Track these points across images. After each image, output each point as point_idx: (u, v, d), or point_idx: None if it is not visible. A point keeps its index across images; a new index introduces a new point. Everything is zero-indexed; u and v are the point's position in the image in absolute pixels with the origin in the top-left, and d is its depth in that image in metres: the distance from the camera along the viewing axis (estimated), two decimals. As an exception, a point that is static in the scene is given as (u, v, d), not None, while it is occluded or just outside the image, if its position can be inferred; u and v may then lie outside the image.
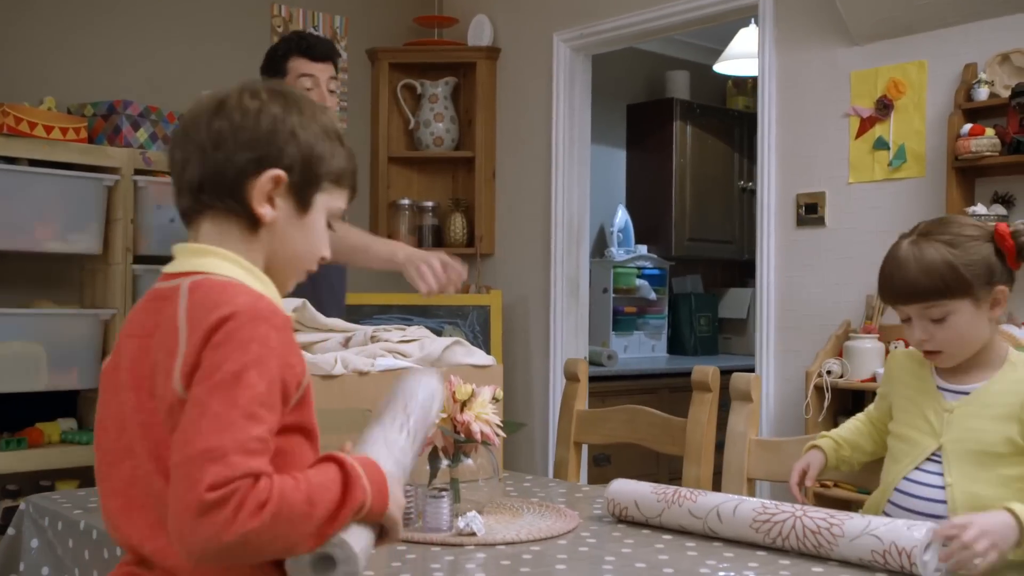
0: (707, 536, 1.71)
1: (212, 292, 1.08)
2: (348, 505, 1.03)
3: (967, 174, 2.86)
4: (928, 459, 1.67)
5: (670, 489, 1.80)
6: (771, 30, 3.34)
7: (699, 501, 1.73)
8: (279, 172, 1.15)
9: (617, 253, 5.15)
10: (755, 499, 1.70)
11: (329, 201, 1.21)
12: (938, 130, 2.96)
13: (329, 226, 1.24)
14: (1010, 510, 1.44)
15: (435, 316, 4.00)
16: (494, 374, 2.35)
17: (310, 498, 0.99)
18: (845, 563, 1.53)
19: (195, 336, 1.04)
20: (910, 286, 1.63)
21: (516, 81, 4.24)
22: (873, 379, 2.92)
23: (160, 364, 1.08)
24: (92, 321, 3.29)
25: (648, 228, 5.32)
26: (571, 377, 2.70)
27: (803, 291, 3.26)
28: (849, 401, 3.09)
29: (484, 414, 1.87)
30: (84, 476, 3.18)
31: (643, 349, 5.35)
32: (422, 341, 2.24)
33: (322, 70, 2.68)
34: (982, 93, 2.81)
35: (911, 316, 1.67)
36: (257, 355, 1.02)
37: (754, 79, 5.69)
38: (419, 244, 4.36)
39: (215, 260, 1.14)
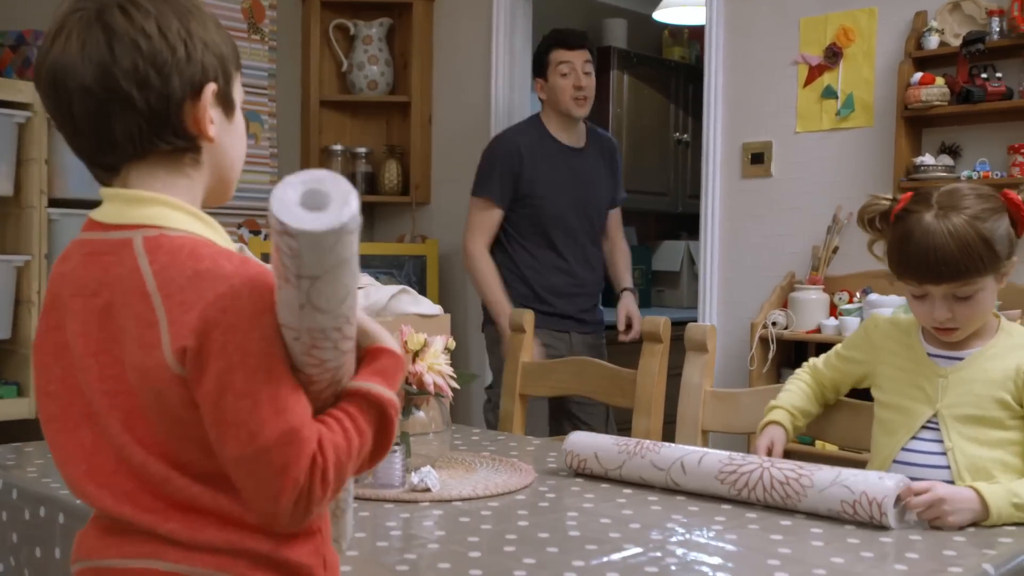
0: (669, 489, 1.66)
1: (182, 256, 0.98)
2: (387, 427, 1.01)
3: (915, 124, 2.83)
4: (924, 427, 1.64)
5: (631, 441, 1.74)
6: (719, -26, 3.27)
7: (662, 452, 1.67)
8: (213, 86, 1.04)
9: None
10: (721, 451, 1.65)
11: (239, 90, 1.11)
12: (887, 79, 2.92)
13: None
14: (975, 489, 1.45)
15: (369, 266, 3.87)
16: (441, 323, 2.26)
17: (356, 436, 0.97)
18: (813, 515, 1.49)
19: (187, 314, 0.95)
20: (949, 267, 1.53)
21: (454, 23, 4.10)
22: (818, 330, 2.90)
23: (129, 331, 0.98)
24: (5, 268, 3.09)
25: (583, 179, 5.24)
26: (516, 328, 2.63)
27: (748, 242, 3.23)
28: (792, 352, 3.08)
29: (437, 365, 1.78)
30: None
31: (577, 301, 5.29)
32: (367, 289, 2.13)
33: (578, 56, 3.19)
34: (932, 41, 2.78)
35: (932, 294, 1.58)
36: (271, 325, 0.95)
37: (691, 29, 5.65)
38: (352, 192, 4.22)
39: (164, 210, 1.02)
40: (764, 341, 2.95)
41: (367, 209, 4.42)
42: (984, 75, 2.67)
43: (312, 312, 0.90)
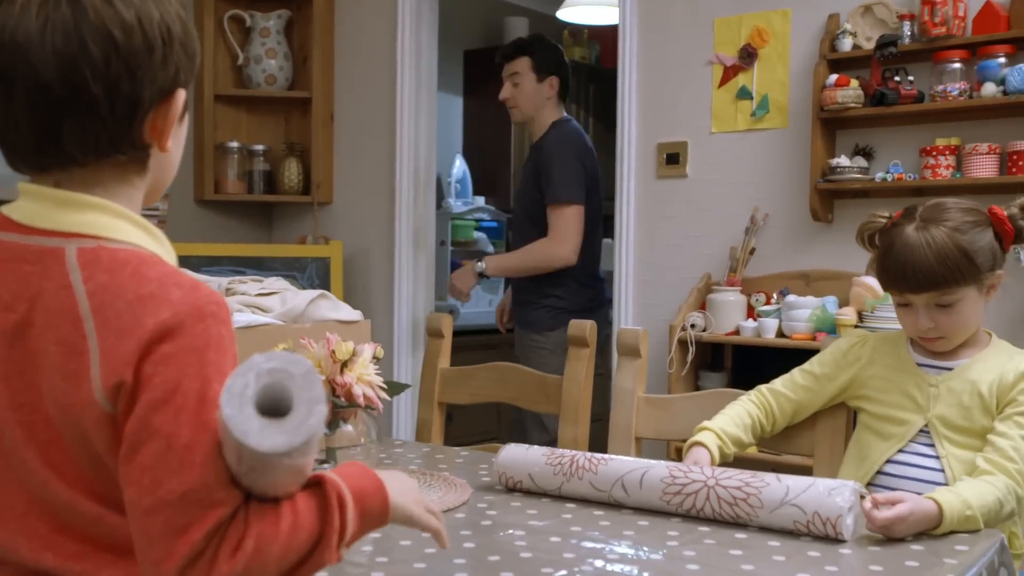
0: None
1: (124, 275, 0.84)
2: (325, 542, 0.84)
3: (829, 125, 2.84)
4: (918, 434, 1.65)
5: (566, 456, 1.64)
6: (632, -28, 3.23)
7: (600, 472, 1.58)
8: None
9: (455, 204, 4.97)
10: (660, 463, 1.57)
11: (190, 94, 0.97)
12: (802, 81, 2.93)
13: None
14: (936, 501, 1.43)
15: (270, 269, 3.70)
16: (362, 330, 2.14)
17: (290, 533, 0.82)
18: (767, 529, 1.45)
19: (122, 343, 0.82)
20: (926, 275, 1.59)
21: (356, 17, 3.96)
22: (737, 332, 2.89)
23: (50, 357, 0.84)
24: None
25: (486, 179, 5.17)
26: (434, 333, 2.52)
27: (663, 243, 3.20)
28: (710, 354, 3.06)
29: (366, 375, 1.67)
30: None
31: (481, 304, 5.21)
32: (283, 295, 2.00)
33: (505, 68, 3.27)
34: (846, 44, 2.80)
35: (915, 303, 1.63)
36: (215, 363, 0.82)
37: (591, 30, 5.63)
38: (249, 191, 4.04)
39: (106, 218, 0.88)
40: (683, 343, 2.92)
41: (265, 209, 4.25)
42: (897, 78, 2.69)
43: (254, 477, 0.81)
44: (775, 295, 2.90)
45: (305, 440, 0.77)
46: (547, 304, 3.18)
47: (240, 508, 0.80)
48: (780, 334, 2.80)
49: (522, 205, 3.29)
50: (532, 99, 3.21)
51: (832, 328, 2.68)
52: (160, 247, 0.91)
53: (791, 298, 2.78)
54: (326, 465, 1.58)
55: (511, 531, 1.45)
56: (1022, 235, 1.63)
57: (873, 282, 2.69)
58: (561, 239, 3.09)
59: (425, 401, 2.49)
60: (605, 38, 5.76)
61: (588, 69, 5.58)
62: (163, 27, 0.87)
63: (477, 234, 5.07)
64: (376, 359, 1.72)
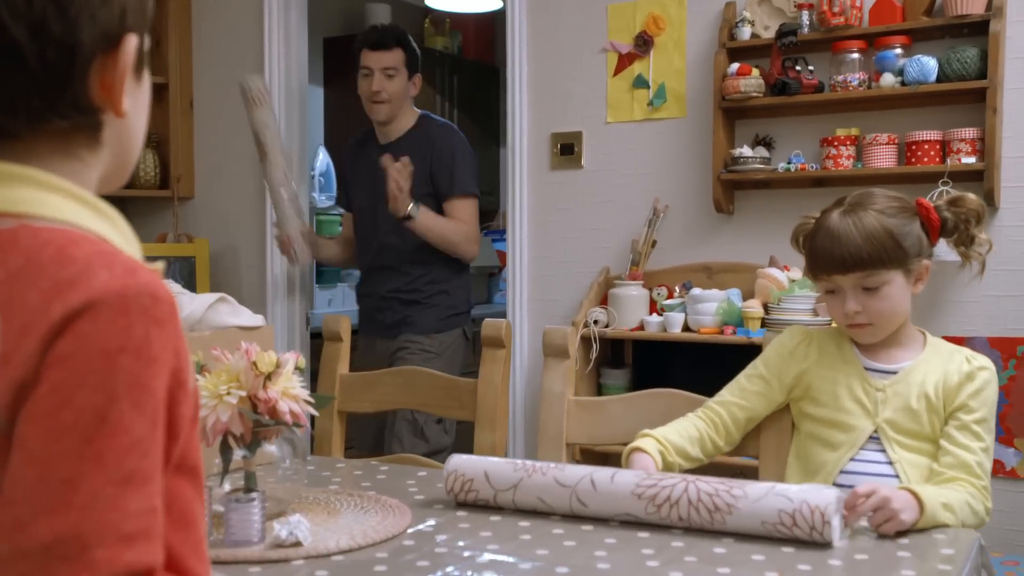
0: (574, 516, 1.45)
1: (43, 258, 0.65)
2: None
3: (729, 115, 2.80)
4: (868, 440, 1.61)
5: (527, 462, 1.52)
6: (520, -45, 3.10)
7: (567, 470, 1.47)
8: (134, 37, 0.72)
9: (319, 199, 4.73)
10: (631, 471, 1.47)
11: (148, 42, 0.78)
12: (699, 70, 2.88)
13: None
14: (912, 492, 1.40)
15: (128, 270, 3.39)
16: (265, 336, 1.94)
17: None
18: (744, 537, 1.35)
19: (25, 335, 0.62)
20: (853, 255, 1.56)
21: (218, 2, 3.68)
22: (641, 327, 2.81)
23: None
24: None
25: (350, 172, 4.94)
26: (332, 337, 2.33)
27: (558, 236, 3.09)
28: (609, 351, 2.98)
29: (291, 389, 1.48)
30: None
31: (348, 302, 4.99)
32: (179, 299, 1.77)
33: (377, 58, 2.95)
34: (745, 33, 2.76)
35: (844, 287, 1.59)
36: (131, 374, 0.62)
37: (453, 19, 5.49)
38: (100, 185, 3.70)
39: (32, 192, 0.69)
40: (585, 340, 2.82)
41: (119, 204, 3.90)
42: (798, 67, 2.67)
43: None
44: (677, 288, 2.84)
45: None
46: (437, 303, 2.99)
47: None
48: (686, 328, 2.74)
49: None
50: (402, 96, 2.98)
51: (739, 321, 2.64)
52: (112, 229, 0.72)
53: (696, 291, 2.73)
54: (253, 494, 1.38)
55: (472, 557, 1.30)
56: (947, 228, 1.61)
57: (778, 273, 2.66)
58: (474, 230, 2.92)
59: (323, 411, 2.29)
60: (467, 28, 5.64)
61: (451, 59, 5.44)
62: None
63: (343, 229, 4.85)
64: (299, 369, 1.53)
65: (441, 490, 1.60)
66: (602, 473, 1.45)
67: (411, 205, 2.84)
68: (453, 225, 2.90)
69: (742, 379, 1.73)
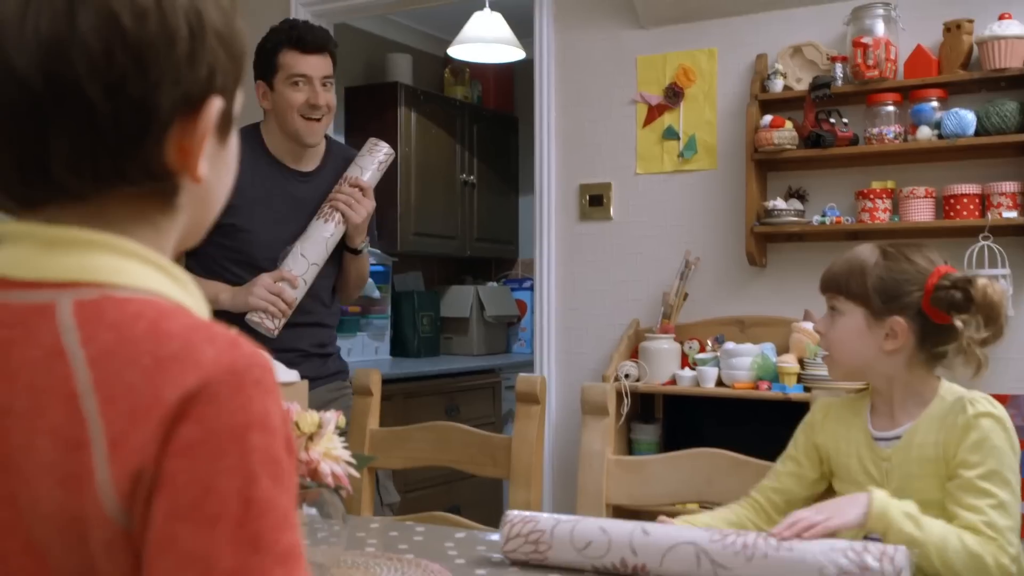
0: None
1: (136, 333, 0.62)
2: None
3: (761, 167, 2.78)
4: None
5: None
6: (549, 7, 3.11)
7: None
8: (219, 100, 0.67)
9: (340, 248, 4.72)
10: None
11: (240, 100, 0.73)
12: (730, 121, 2.86)
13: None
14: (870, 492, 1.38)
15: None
16: (299, 392, 1.89)
17: None
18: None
19: (137, 427, 0.59)
20: (826, 272, 1.57)
21: (243, 48, 3.69)
22: (673, 382, 2.76)
23: (37, 455, 0.60)
24: None
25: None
26: (362, 391, 2.29)
27: (587, 289, 3.05)
28: (640, 405, 2.93)
29: (333, 450, 1.43)
30: None
31: (367, 351, 4.96)
32: (263, 352, 1.73)
33: (316, 65, 2.33)
34: (777, 85, 2.74)
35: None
36: (262, 449, 0.60)
37: (472, 68, 5.51)
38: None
39: (109, 259, 0.65)
40: (615, 394, 2.76)
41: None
42: (832, 120, 2.65)
43: None
44: (709, 342, 2.79)
45: None
46: (339, 348, 2.65)
47: None
48: (719, 383, 2.69)
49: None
50: (332, 113, 2.41)
51: (775, 376, 2.59)
52: (187, 295, 0.68)
53: (729, 345, 2.68)
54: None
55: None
56: (941, 303, 1.47)
57: (808, 326, 2.61)
58: None
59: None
60: (487, 78, 5.66)
61: (471, 109, 5.45)
62: (191, 13, 0.64)
63: (362, 279, 4.82)
64: (339, 429, 1.49)
65: (482, 553, 1.55)
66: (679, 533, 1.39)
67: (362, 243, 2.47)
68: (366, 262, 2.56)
69: (777, 462, 1.67)
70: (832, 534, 1.32)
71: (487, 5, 4.51)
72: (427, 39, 5.49)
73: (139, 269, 0.65)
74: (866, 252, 1.53)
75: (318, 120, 2.34)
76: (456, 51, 4.70)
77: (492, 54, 4.69)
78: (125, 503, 0.59)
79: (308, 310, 2.41)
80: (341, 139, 5.04)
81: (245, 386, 0.60)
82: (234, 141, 0.74)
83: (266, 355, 0.64)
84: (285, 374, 1.85)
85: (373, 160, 2.43)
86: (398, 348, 5.17)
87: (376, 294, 4.94)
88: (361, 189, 2.37)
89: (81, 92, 0.61)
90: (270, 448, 0.60)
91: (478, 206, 5.44)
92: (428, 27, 5.37)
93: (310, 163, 2.44)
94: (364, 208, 2.38)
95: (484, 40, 4.54)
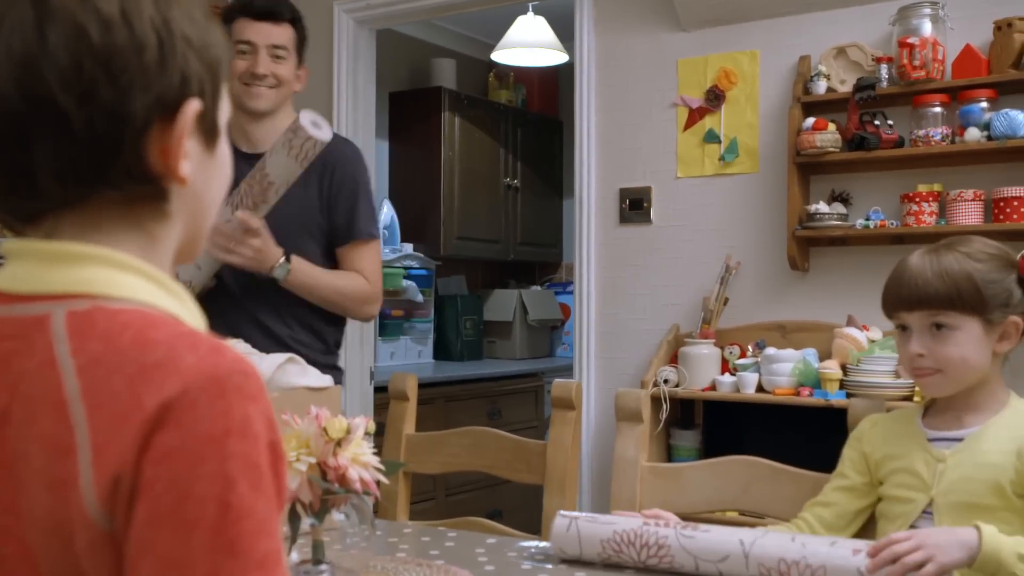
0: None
1: (123, 342, 0.63)
2: None
3: (804, 170, 2.73)
4: (922, 515, 1.46)
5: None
6: (589, 10, 3.09)
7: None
8: (196, 105, 0.69)
9: (383, 252, 4.74)
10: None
11: (226, 107, 0.76)
12: (772, 124, 2.82)
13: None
14: (978, 528, 1.29)
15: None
16: (332, 398, 1.90)
17: None
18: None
19: (118, 426, 0.60)
20: (919, 290, 1.45)
21: (287, 54, 3.72)
22: (713, 387, 2.73)
23: (31, 462, 0.62)
24: None
25: (414, 225, 4.95)
26: (398, 395, 2.29)
27: (627, 293, 3.03)
28: (680, 411, 2.90)
29: (362, 455, 1.43)
30: None
31: (410, 355, 4.97)
32: (248, 359, 1.74)
33: (261, 32, 2.16)
34: (821, 87, 2.70)
35: (911, 326, 1.48)
36: (241, 455, 0.61)
37: (516, 72, 5.51)
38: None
39: (105, 271, 0.67)
40: (654, 400, 2.74)
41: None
42: (876, 122, 2.60)
43: None
44: (750, 347, 2.75)
45: None
46: (336, 369, 2.39)
47: None
48: (760, 388, 2.65)
49: (295, 229, 2.19)
50: (287, 87, 2.21)
51: (816, 382, 2.54)
52: (180, 305, 0.70)
53: (770, 351, 2.64)
54: (323, 565, 1.33)
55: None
56: None
57: (858, 333, 2.57)
58: (377, 286, 2.29)
59: (388, 471, 2.24)
60: (531, 81, 5.65)
61: (515, 112, 5.45)
62: (158, 21, 0.66)
63: (406, 283, 4.84)
64: (368, 434, 1.49)
65: (513, 559, 1.54)
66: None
67: (280, 259, 2.10)
68: (340, 278, 2.22)
69: (830, 481, 1.63)
70: None
71: (530, 9, 4.52)
72: (471, 43, 5.49)
73: (132, 281, 0.67)
74: (942, 258, 1.46)
75: (261, 86, 2.17)
76: (500, 55, 4.71)
77: (535, 58, 4.69)
78: (106, 507, 0.60)
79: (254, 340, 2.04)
80: (384, 144, 5.07)
81: (225, 392, 0.61)
82: (224, 150, 0.75)
83: (251, 362, 0.64)
84: (317, 379, 1.85)
85: (284, 152, 1.97)
86: (441, 352, 5.19)
87: (419, 298, 4.95)
88: (248, 230, 2.03)
89: (55, 103, 0.64)
90: (250, 454, 0.61)
91: (521, 209, 5.44)
92: (472, 31, 5.38)
93: (261, 145, 2.20)
94: (248, 250, 2.05)
95: (527, 44, 4.55)
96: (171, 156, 0.68)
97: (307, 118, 1.97)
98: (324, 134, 1.98)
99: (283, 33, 2.19)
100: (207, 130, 0.72)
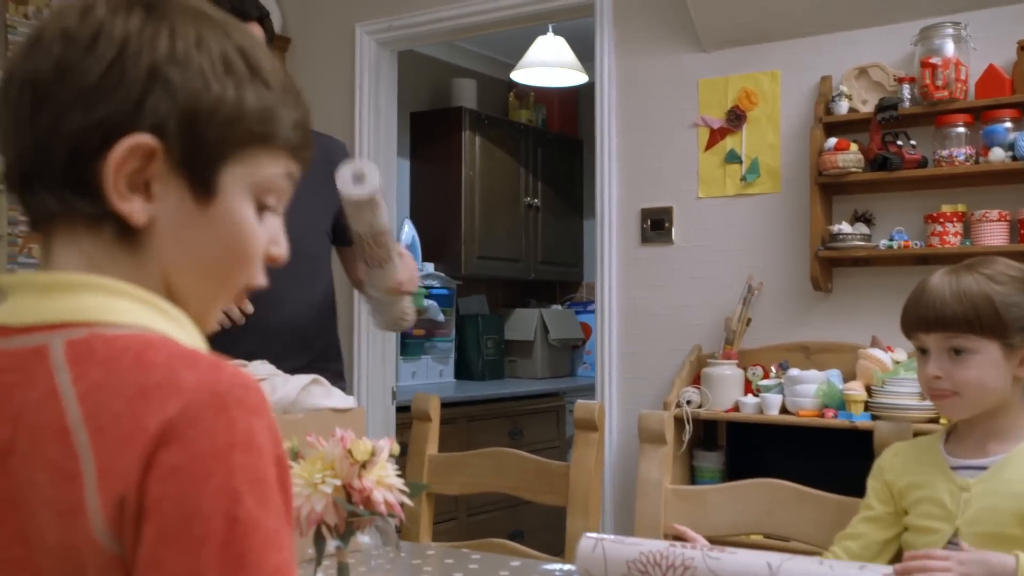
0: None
1: (123, 366, 0.64)
2: None
3: (826, 191, 2.73)
4: (947, 545, 1.43)
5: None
6: (609, 31, 3.10)
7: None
8: (143, 139, 0.67)
9: (405, 271, 4.74)
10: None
11: (255, 172, 0.72)
12: (794, 144, 2.82)
13: (268, 208, 0.75)
14: (1017, 557, 1.27)
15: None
16: (356, 419, 1.90)
17: None
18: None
19: (122, 448, 0.61)
20: (937, 311, 1.43)
21: (310, 77, 3.75)
22: (736, 408, 2.72)
23: (38, 491, 0.63)
24: None
25: (435, 245, 4.96)
26: (421, 416, 2.30)
27: (648, 313, 3.03)
28: (703, 432, 2.88)
29: (387, 478, 1.43)
30: None
31: (431, 375, 4.98)
32: (271, 380, 1.75)
33: None
34: (842, 107, 2.69)
35: (929, 348, 1.46)
36: (247, 469, 0.61)
37: (537, 92, 5.53)
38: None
39: (97, 299, 0.67)
40: (677, 421, 2.73)
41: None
42: (899, 142, 2.59)
43: None
44: (773, 368, 2.74)
45: None
46: (342, 377, 2.42)
47: None
48: (783, 410, 2.63)
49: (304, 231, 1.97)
50: None
51: (841, 404, 2.53)
52: (178, 328, 0.70)
53: (793, 372, 2.63)
54: (347, 589, 1.34)
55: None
56: None
57: (882, 355, 2.55)
58: None
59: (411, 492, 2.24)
60: (551, 101, 5.67)
61: (535, 132, 5.47)
62: (124, 43, 0.67)
63: (428, 302, 4.85)
64: (393, 456, 1.49)
65: (537, 585, 1.54)
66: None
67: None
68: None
69: (858, 520, 1.61)
70: None
71: (550, 30, 4.55)
72: (492, 64, 5.52)
73: (128, 306, 0.67)
74: (962, 279, 1.44)
75: None
76: (520, 75, 4.73)
77: (555, 78, 4.71)
78: (114, 530, 0.60)
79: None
80: (406, 163, 5.10)
81: (228, 407, 0.61)
82: (236, 204, 0.72)
83: (252, 376, 0.65)
84: (342, 400, 1.86)
85: (354, 208, 1.83)
86: (462, 371, 5.19)
87: (440, 317, 4.96)
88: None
89: (31, 107, 0.68)
90: (255, 468, 0.61)
91: (542, 229, 5.45)
92: (493, 52, 5.41)
93: None
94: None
95: (547, 64, 4.57)
96: (112, 187, 0.67)
97: (347, 174, 1.79)
98: (364, 188, 1.79)
99: (250, 31, 2.09)
100: (191, 176, 0.69)
